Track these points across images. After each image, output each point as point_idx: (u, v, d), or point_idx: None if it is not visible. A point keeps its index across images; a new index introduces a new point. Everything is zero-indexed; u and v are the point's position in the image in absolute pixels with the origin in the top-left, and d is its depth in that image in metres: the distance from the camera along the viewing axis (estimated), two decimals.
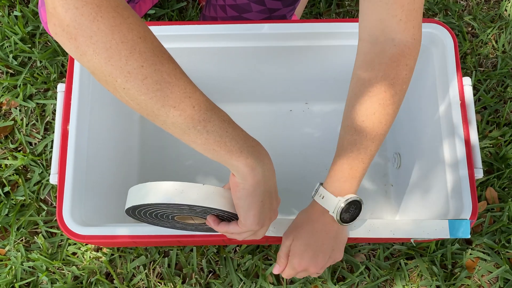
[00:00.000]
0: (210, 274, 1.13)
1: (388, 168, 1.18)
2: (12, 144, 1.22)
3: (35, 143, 1.22)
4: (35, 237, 1.15)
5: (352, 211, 0.73)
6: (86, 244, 1.13)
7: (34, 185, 1.18)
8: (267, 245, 1.13)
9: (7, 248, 1.13)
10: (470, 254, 1.15)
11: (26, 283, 1.11)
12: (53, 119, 1.24)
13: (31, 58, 1.29)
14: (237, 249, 1.14)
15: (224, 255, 1.12)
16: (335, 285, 1.10)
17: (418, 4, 0.68)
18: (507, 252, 1.15)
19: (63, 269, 1.12)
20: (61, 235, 1.14)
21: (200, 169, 1.16)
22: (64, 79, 1.25)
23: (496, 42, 1.37)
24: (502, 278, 1.13)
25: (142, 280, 1.11)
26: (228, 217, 0.68)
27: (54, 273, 1.11)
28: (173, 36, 0.95)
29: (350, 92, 0.74)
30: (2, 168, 1.19)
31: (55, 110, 1.24)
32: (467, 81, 0.91)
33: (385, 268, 1.13)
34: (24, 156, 1.19)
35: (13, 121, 1.23)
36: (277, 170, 0.71)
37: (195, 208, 0.64)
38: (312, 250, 0.74)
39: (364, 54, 0.73)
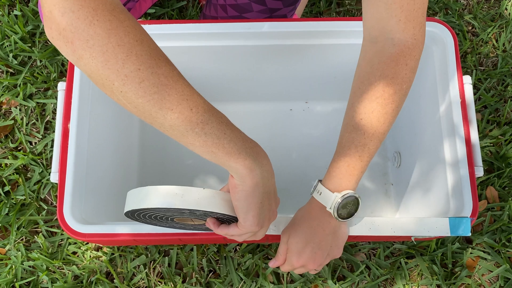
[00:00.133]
0: (211, 273, 1.13)
1: (388, 167, 1.18)
2: (12, 143, 1.22)
3: (35, 143, 1.22)
4: (35, 236, 1.15)
5: (349, 207, 0.73)
6: (86, 244, 1.13)
7: (34, 184, 1.18)
8: (267, 244, 1.14)
9: (7, 248, 1.14)
10: (471, 253, 1.15)
11: (26, 282, 1.11)
12: (53, 118, 1.24)
13: (31, 57, 1.29)
14: (237, 248, 1.14)
15: (225, 254, 1.13)
16: (336, 284, 1.10)
17: (419, 4, 0.68)
18: (508, 251, 1.15)
19: (63, 269, 1.12)
20: (61, 234, 1.14)
21: (200, 169, 1.16)
22: (64, 78, 1.25)
23: (497, 41, 1.36)
24: (503, 277, 1.13)
25: (143, 279, 1.11)
26: (228, 220, 0.68)
27: (54, 272, 1.11)
28: (173, 35, 0.94)
29: (351, 91, 0.74)
30: (2, 167, 1.19)
31: (55, 110, 1.24)
32: (468, 80, 0.91)
33: (385, 267, 1.13)
34: (24, 155, 1.19)
35: (13, 121, 1.23)
36: (277, 169, 0.71)
37: (196, 211, 0.64)
38: (310, 246, 0.74)
39: (365, 52, 0.74)
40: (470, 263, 1.14)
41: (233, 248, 1.14)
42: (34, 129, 1.24)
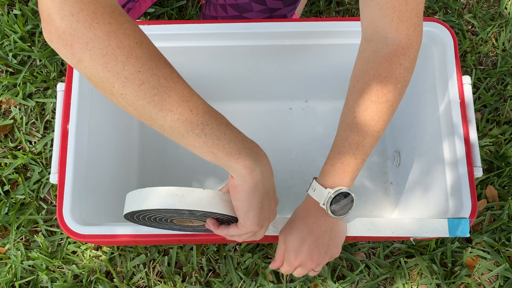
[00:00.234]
0: (210, 273, 1.13)
1: (388, 166, 1.18)
2: (11, 142, 1.22)
3: (35, 142, 1.22)
4: (35, 235, 1.15)
5: (342, 203, 0.73)
6: (86, 243, 1.14)
7: (34, 183, 1.18)
8: (267, 243, 1.14)
9: (7, 247, 1.14)
10: (470, 252, 1.15)
11: (26, 281, 1.11)
12: (53, 117, 1.24)
13: (31, 57, 1.29)
14: (237, 247, 1.14)
15: (224, 254, 1.13)
16: (335, 283, 1.11)
17: (412, 6, 0.68)
18: (507, 250, 1.15)
19: (63, 268, 1.12)
20: (61, 233, 1.14)
21: (199, 169, 1.16)
22: (63, 77, 1.25)
23: (496, 40, 1.36)
24: (502, 276, 1.13)
25: (142, 278, 1.11)
26: (228, 220, 0.68)
27: (54, 271, 1.11)
28: (172, 35, 0.94)
29: (348, 89, 0.75)
30: (1, 166, 1.19)
31: (54, 109, 1.24)
32: (467, 80, 0.91)
33: (385, 267, 1.14)
34: (24, 154, 1.19)
35: (12, 120, 1.23)
36: (277, 168, 0.71)
37: (196, 212, 0.64)
38: (307, 244, 0.74)
39: (361, 52, 0.75)
40: (469, 262, 1.14)
41: (232, 248, 1.14)
42: (33, 129, 1.24)
